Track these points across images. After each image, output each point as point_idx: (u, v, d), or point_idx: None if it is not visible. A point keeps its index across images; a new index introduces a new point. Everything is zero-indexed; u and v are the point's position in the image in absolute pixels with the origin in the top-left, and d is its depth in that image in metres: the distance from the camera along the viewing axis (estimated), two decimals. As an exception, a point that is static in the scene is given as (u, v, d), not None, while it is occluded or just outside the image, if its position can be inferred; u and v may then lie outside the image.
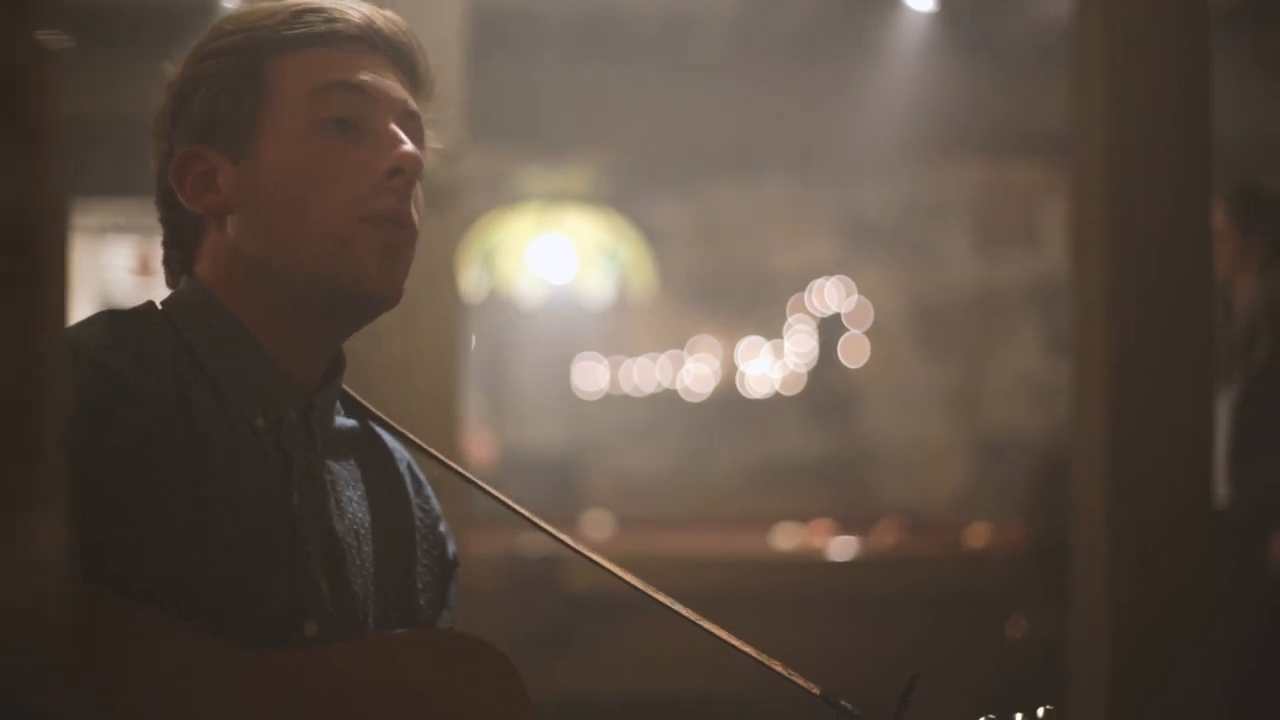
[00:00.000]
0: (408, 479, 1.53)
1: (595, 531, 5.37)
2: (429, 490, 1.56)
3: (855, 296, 8.25)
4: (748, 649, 1.42)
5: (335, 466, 1.44)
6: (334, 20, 1.42)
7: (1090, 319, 3.61)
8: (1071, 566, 3.72)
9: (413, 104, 1.44)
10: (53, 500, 0.75)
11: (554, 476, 7.83)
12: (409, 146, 1.40)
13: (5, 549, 0.74)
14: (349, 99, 1.40)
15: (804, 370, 8.19)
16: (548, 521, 1.48)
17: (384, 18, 1.44)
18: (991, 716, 1.29)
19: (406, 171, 1.39)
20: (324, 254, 1.37)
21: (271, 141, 1.38)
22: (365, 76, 1.41)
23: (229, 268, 1.40)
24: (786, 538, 5.09)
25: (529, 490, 7.45)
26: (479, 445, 6.31)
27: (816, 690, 1.38)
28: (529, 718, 1.31)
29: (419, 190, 1.42)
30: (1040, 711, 1.30)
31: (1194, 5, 3.54)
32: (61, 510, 0.77)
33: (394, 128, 1.40)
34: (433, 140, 1.47)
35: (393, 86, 1.43)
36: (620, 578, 1.45)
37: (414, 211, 1.41)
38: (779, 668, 1.41)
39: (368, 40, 1.43)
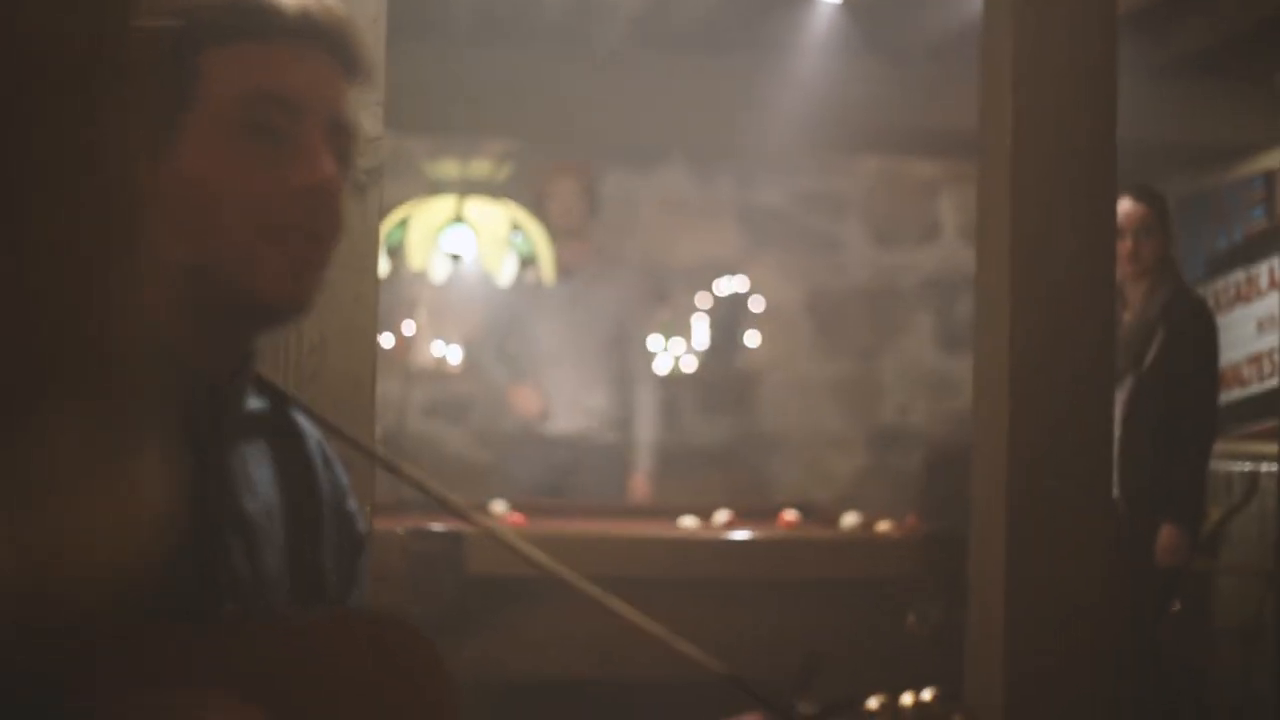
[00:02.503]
0: (317, 456, 1.53)
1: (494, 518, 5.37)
2: (339, 467, 1.57)
3: (756, 296, 8.29)
4: (656, 630, 1.43)
5: (246, 448, 1.44)
6: (269, 11, 1.38)
7: (992, 316, 3.67)
8: (968, 557, 3.78)
9: (344, 113, 1.42)
10: (154, 442, 0.78)
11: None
12: (330, 168, 1.38)
13: (111, 494, 0.77)
14: (277, 110, 1.37)
15: (698, 362, 8.22)
16: (452, 503, 1.49)
17: (320, 6, 1.41)
18: (881, 697, 1.32)
19: (324, 192, 1.37)
20: (230, 262, 1.35)
21: (192, 142, 1.35)
22: (297, 83, 1.38)
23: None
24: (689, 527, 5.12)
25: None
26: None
27: (721, 670, 1.40)
28: (450, 692, 1.31)
29: (339, 202, 1.40)
30: (927, 694, 1.32)
31: (1101, 10, 3.61)
32: (163, 452, 0.80)
33: (319, 143, 1.38)
34: (366, 125, 1.46)
35: (324, 95, 1.40)
36: (532, 559, 1.46)
37: (329, 226, 1.40)
38: (685, 647, 1.43)
39: (303, 33, 1.40)
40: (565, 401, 6.27)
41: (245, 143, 1.35)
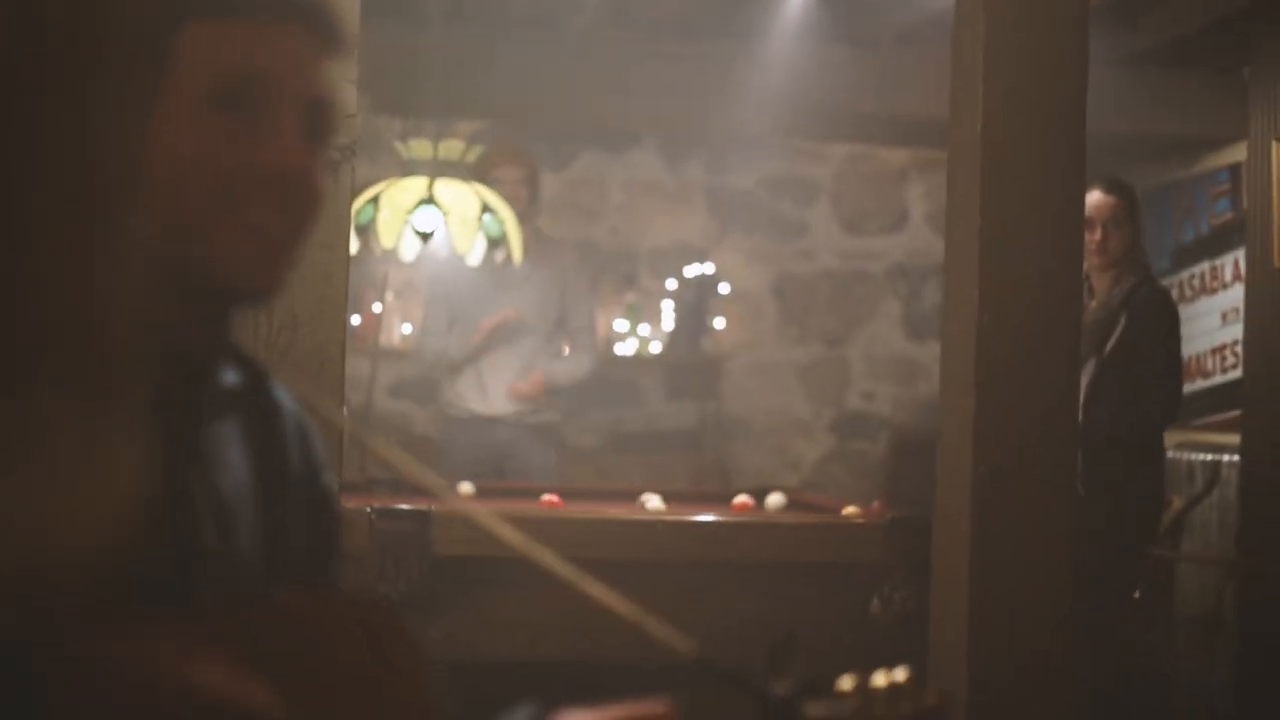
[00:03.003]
0: (293, 432, 1.51)
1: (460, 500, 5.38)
2: (317, 443, 1.54)
3: (723, 280, 8.32)
4: (629, 611, 1.41)
5: (220, 425, 1.42)
6: None
7: (960, 303, 3.70)
8: (933, 542, 3.81)
9: (323, 91, 1.39)
10: (135, 422, 0.79)
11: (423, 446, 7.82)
12: (303, 151, 1.36)
13: (95, 475, 0.77)
14: (253, 88, 1.34)
15: (664, 344, 8.24)
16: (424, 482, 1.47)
17: None
18: (853, 677, 1.32)
19: (295, 174, 1.35)
20: (198, 241, 1.32)
21: (165, 116, 1.29)
22: (275, 61, 1.35)
23: None
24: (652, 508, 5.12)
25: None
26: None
27: (693, 653, 1.39)
28: (427, 676, 1.26)
29: (313, 184, 1.37)
30: (900, 673, 1.32)
31: (1073, 0, 3.63)
32: (143, 432, 0.80)
33: (293, 123, 1.35)
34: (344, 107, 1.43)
35: (303, 73, 1.37)
36: (505, 539, 1.44)
37: (300, 208, 1.37)
38: (658, 630, 1.41)
39: (283, 8, 1.37)
40: (503, 383, 6.28)
41: (218, 120, 1.33)
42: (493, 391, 6.29)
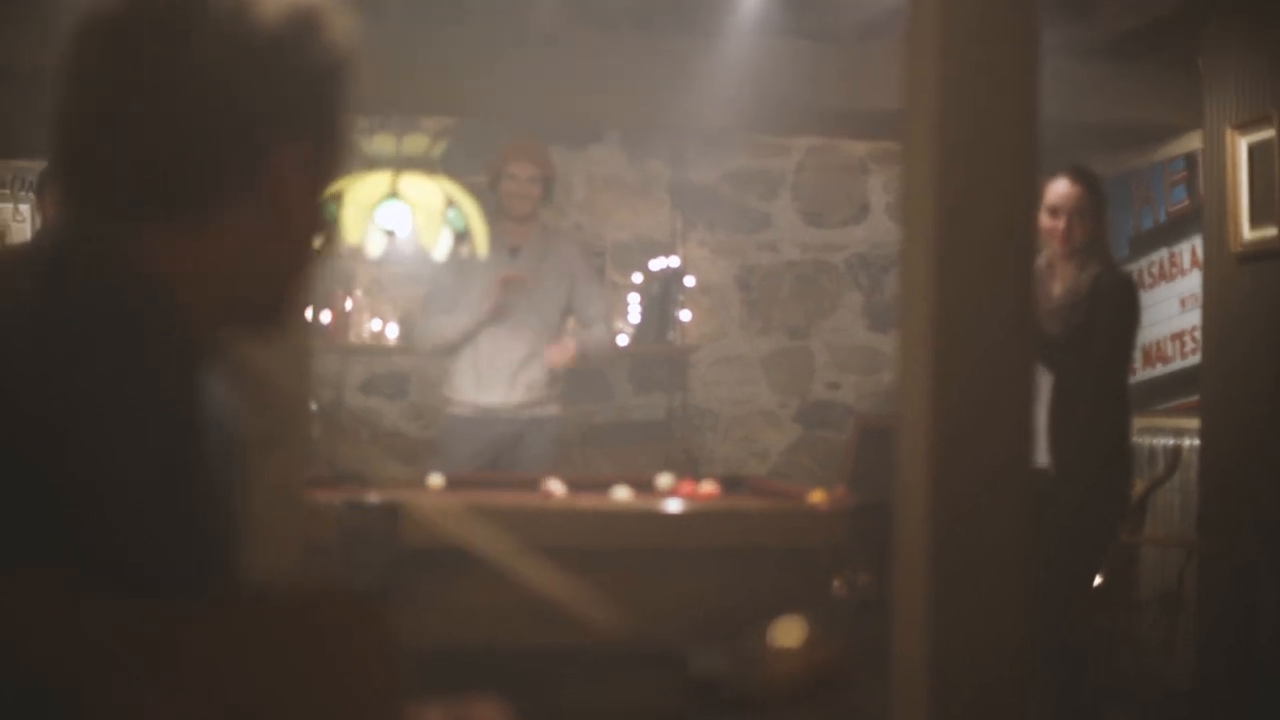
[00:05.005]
0: (232, 418, 1.52)
1: (431, 492, 5.41)
2: (236, 436, 1.55)
3: (688, 273, 8.36)
4: (579, 601, 1.41)
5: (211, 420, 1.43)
6: None
7: (916, 291, 3.75)
8: (894, 527, 3.86)
9: None
10: None
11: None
12: None
13: None
14: None
15: (631, 337, 8.28)
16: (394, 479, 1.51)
17: None
18: (758, 632, 1.33)
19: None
20: (279, 280, 1.48)
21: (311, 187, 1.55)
22: None
23: (222, 263, 1.42)
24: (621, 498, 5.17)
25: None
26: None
27: (614, 633, 1.38)
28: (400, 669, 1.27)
29: None
30: (803, 627, 1.32)
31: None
32: None
33: None
34: None
35: None
36: (459, 534, 1.45)
37: None
38: (582, 607, 1.41)
39: None
40: (504, 376, 6.29)
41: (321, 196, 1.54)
42: (488, 379, 6.27)
